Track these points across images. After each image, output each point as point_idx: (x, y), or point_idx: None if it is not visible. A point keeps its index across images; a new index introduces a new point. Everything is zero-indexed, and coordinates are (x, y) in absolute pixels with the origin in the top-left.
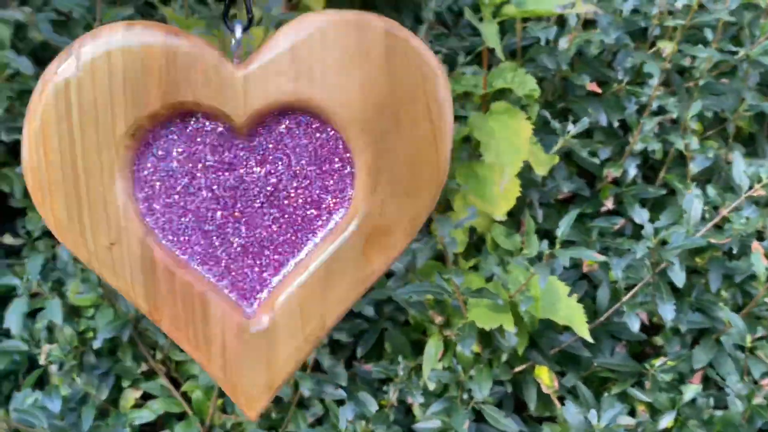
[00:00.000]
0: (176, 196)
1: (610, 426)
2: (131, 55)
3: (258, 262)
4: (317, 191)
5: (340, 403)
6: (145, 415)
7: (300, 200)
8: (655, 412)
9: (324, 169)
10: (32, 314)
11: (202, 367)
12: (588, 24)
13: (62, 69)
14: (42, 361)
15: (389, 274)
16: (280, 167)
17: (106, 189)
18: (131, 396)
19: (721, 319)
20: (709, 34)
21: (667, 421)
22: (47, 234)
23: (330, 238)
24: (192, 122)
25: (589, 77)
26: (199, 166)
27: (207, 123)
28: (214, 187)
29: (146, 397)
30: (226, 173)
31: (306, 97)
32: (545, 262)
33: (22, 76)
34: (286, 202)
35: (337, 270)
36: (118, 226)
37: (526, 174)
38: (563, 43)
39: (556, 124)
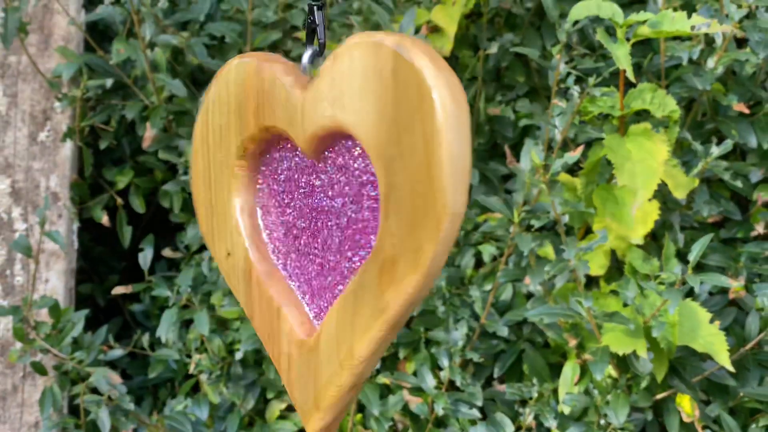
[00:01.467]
0: (279, 215)
1: None
2: (238, 83)
3: (329, 281)
4: (365, 214)
5: (475, 424)
6: (288, 427)
7: (355, 224)
8: None
9: (366, 193)
10: (186, 324)
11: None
12: (742, 42)
13: (208, 94)
14: (191, 370)
15: (528, 296)
16: (342, 191)
17: (227, 203)
18: (276, 408)
19: None
20: None
21: None
22: (204, 248)
23: (361, 264)
24: (285, 146)
25: (740, 98)
26: (293, 187)
27: (290, 146)
28: (304, 208)
29: (290, 408)
30: (309, 196)
31: (340, 122)
32: (677, 288)
33: (177, 99)
34: (346, 225)
35: (360, 297)
36: (233, 238)
37: (668, 197)
38: (710, 63)
39: (697, 146)
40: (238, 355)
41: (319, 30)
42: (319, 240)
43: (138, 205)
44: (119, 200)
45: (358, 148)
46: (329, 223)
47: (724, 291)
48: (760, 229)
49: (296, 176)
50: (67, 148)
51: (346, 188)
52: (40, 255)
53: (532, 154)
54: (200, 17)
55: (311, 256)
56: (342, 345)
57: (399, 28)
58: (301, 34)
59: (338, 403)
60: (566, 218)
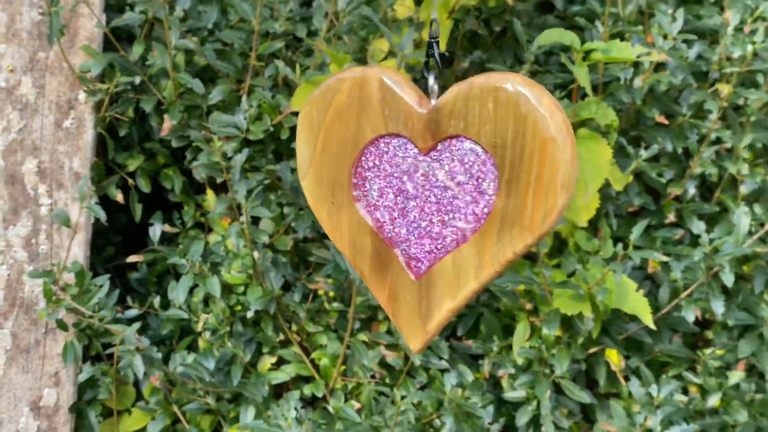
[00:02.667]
0: (390, 189)
1: (667, 399)
2: (358, 90)
3: (434, 238)
4: (469, 193)
5: (445, 372)
6: (281, 377)
7: (461, 198)
8: (704, 392)
9: (472, 176)
10: (190, 290)
11: (383, 306)
12: (659, 66)
13: (329, 89)
14: (199, 328)
15: None
16: (449, 174)
17: (346, 170)
18: (268, 361)
19: (764, 317)
20: (761, 78)
21: (714, 400)
22: (198, 225)
23: (477, 226)
24: (390, 140)
25: (659, 111)
26: (401, 168)
27: (396, 141)
28: (410, 184)
29: (280, 362)
30: (417, 176)
31: (462, 132)
32: (620, 262)
33: (191, 95)
34: (448, 199)
35: (480, 244)
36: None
37: (604, 190)
38: (638, 82)
39: (630, 149)
40: (249, 314)
41: (438, 61)
42: (425, 209)
43: (144, 185)
44: (131, 181)
45: (469, 144)
46: (434, 197)
47: (642, 267)
48: (671, 217)
49: (404, 162)
50: (89, 134)
51: (456, 173)
52: (63, 227)
53: None
54: (209, 25)
55: (420, 221)
56: (460, 280)
57: (399, 45)
58: (308, 41)
59: (442, 324)
60: None
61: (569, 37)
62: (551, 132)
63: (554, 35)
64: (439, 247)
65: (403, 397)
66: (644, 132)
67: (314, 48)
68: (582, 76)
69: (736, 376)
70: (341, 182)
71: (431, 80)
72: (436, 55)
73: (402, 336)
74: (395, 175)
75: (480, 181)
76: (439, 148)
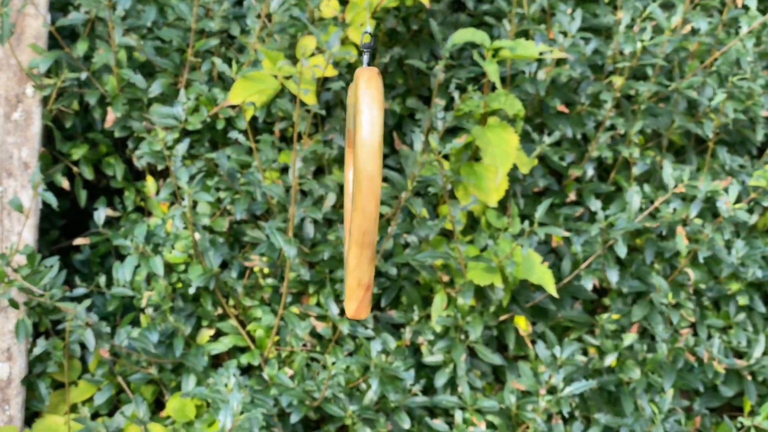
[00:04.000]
0: None
1: (569, 359)
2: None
3: None
4: None
5: (372, 339)
6: (219, 347)
7: None
8: (602, 353)
9: None
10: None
11: None
12: (560, 61)
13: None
14: (143, 304)
15: (406, 245)
16: None
17: (347, 169)
18: (206, 333)
19: (654, 285)
20: (650, 70)
21: (610, 360)
22: (138, 209)
23: None
24: None
25: (560, 100)
26: None
27: None
28: None
29: (217, 334)
30: None
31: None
32: (526, 237)
33: (132, 88)
34: None
35: (351, 221)
36: (346, 189)
37: (512, 173)
38: (541, 75)
39: (535, 136)
40: (191, 290)
41: (364, 65)
42: None
43: (88, 172)
44: (75, 169)
45: None
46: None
47: (546, 242)
48: (572, 196)
49: None
50: (36, 126)
51: None
52: (13, 213)
53: (430, 139)
54: (148, 23)
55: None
56: (346, 259)
57: (327, 43)
58: (243, 40)
59: (354, 296)
60: (449, 187)
61: (480, 36)
62: (361, 120)
63: (467, 34)
64: None
65: (333, 363)
66: (547, 120)
67: (248, 46)
68: (492, 71)
69: (629, 338)
70: None
71: None
72: (365, 64)
73: (361, 305)
74: None
75: None
76: None
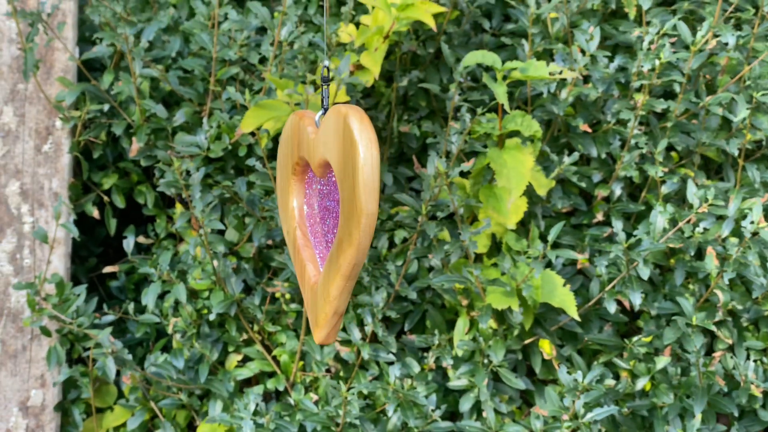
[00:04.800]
0: (310, 209)
1: (592, 383)
2: (290, 128)
3: (328, 251)
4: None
5: (391, 364)
6: (245, 373)
7: (336, 218)
8: (634, 377)
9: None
10: (160, 296)
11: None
12: (588, 78)
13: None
14: (170, 330)
15: (430, 269)
16: (333, 197)
17: (287, 201)
18: (234, 359)
19: (684, 307)
20: (677, 87)
21: (642, 383)
22: (170, 236)
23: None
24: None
25: (585, 120)
26: (316, 193)
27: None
28: (320, 207)
29: (245, 360)
30: (321, 199)
31: (326, 158)
32: (540, 260)
33: (156, 118)
34: (334, 217)
35: (331, 261)
36: (288, 221)
37: (534, 194)
38: (563, 94)
39: (554, 156)
40: (211, 317)
41: (325, 99)
42: (325, 226)
43: (119, 201)
44: (106, 198)
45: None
46: (328, 216)
47: (573, 263)
48: (600, 216)
49: (316, 187)
50: (66, 157)
51: (335, 196)
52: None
53: (436, 163)
54: (172, 54)
55: (322, 235)
56: (324, 288)
57: (337, 68)
58: (260, 68)
59: (328, 323)
60: (462, 210)
61: (491, 58)
62: (360, 162)
63: (478, 56)
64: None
65: (349, 389)
66: (572, 139)
67: (264, 73)
68: (501, 93)
69: (662, 361)
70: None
71: (317, 116)
72: (324, 94)
73: (332, 332)
74: (309, 196)
75: (336, 202)
76: (327, 176)
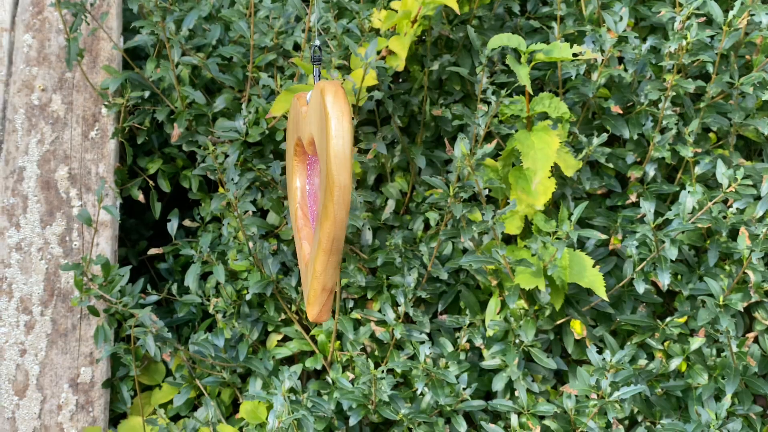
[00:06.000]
0: (310, 188)
1: (621, 363)
2: (292, 111)
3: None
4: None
5: (422, 344)
6: (284, 352)
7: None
8: (669, 357)
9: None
10: (204, 277)
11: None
12: (622, 59)
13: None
14: (210, 310)
15: (464, 250)
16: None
17: (291, 178)
18: (274, 339)
19: (722, 287)
20: (710, 67)
21: (675, 364)
22: (215, 219)
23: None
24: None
25: (618, 101)
26: (314, 173)
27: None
28: (315, 185)
29: (284, 339)
30: (315, 178)
31: (312, 135)
32: (563, 240)
33: (197, 105)
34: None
35: (316, 235)
36: (293, 199)
37: (563, 175)
38: (594, 76)
39: (583, 138)
40: (248, 296)
41: (316, 79)
42: (312, 201)
43: (165, 186)
44: (151, 182)
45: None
46: (314, 191)
47: (605, 244)
48: (633, 198)
49: (315, 166)
50: (112, 143)
51: (317, 173)
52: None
53: (461, 146)
54: (212, 42)
55: (314, 211)
56: (312, 265)
57: (365, 54)
58: (294, 56)
59: (318, 300)
60: (487, 191)
61: (516, 41)
62: (332, 134)
63: (503, 39)
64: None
65: (379, 368)
66: (605, 121)
67: (295, 60)
68: (523, 75)
69: (697, 341)
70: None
71: (308, 95)
72: (315, 73)
73: (323, 309)
74: (311, 176)
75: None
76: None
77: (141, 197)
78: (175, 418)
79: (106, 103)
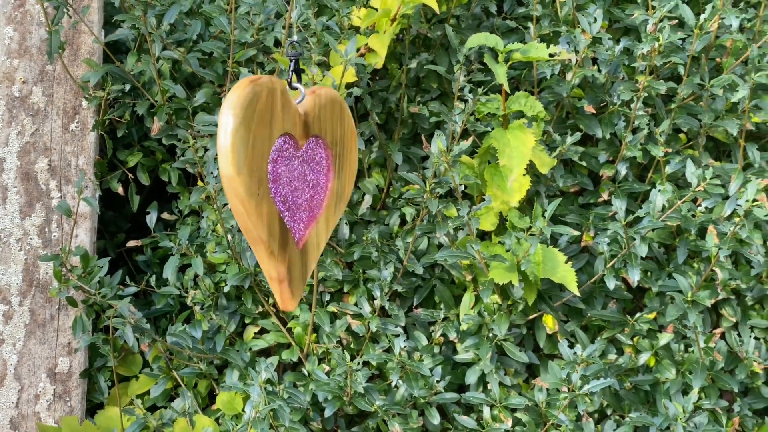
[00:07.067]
0: (282, 172)
1: (592, 357)
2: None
3: (308, 213)
4: (323, 178)
5: (397, 337)
6: (261, 344)
7: (320, 181)
8: (638, 352)
9: (322, 165)
10: (182, 269)
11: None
12: (594, 61)
13: (255, 94)
14: (188, 302)
15: (439, 246)
16: (312, 162)
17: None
18: (251, 330)
19: (690, 284)
20: (681, 69)
21: (644, 359)
22: (194, 212)
23: (325, 203)
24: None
25: (593, 102)
26: (287, 158)
27: (287, 140)
28: (294, 171)
29: (261, 331)
30: (296, 164)
31: (319, 132)
32: (537, 236)
33: (177, 99)
34: (315, 182)
35: (328, 217)
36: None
37: (538, 173)
38: (568, 76)
39: (557, 136)
40: (226, 288)
41: (290, 72)
42: (299, 192)
43: (144, 179)
44: (131, 175)
45: (322, 140)
46: (304, 183)
47: (578, 241)
48: (605, 196)
49: (290, 153)
50: (92, 136)
51: (314, 161)
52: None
53: (438, 142)
54: (193, 37)
55: (296, 200)
56: (320, 245)
57: (345, 50)
58: (273, 50)
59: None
60: (463, 188)
61: (493, 40)
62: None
63: (481, 38)
64: (307, 223)
65: (354, 360)
66: (579, 121)
67: (276, 56)
68: (500, 73)
69: (665, 337)
70: (262, 175)
71: (301, 88)
72: (291, 69)
73: (280, 298)
74: (287, 168)
75: (327, 169)
76: (306, 146)
77: (120, 190)
78: (152, 409)
79: (86, 95)
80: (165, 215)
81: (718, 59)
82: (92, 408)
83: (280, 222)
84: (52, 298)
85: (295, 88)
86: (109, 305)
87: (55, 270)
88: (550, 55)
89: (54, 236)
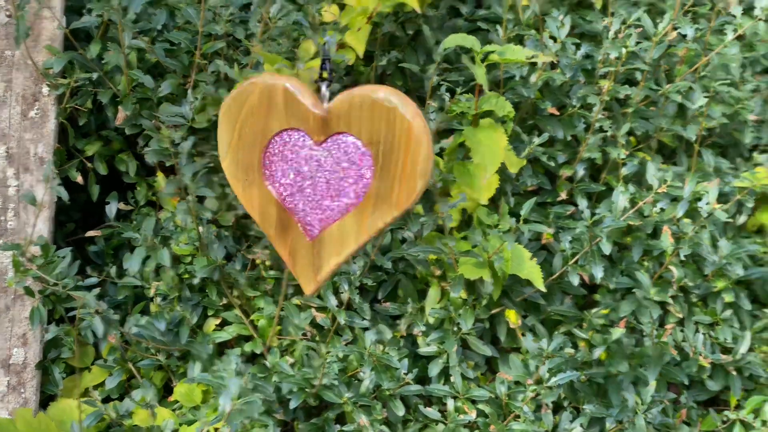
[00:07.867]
0: (287, 169)
1: (555, 351)
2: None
3: (325, 211)
4: (351, 176)
5: (365, 330)
6: (223, 336)
7: (345, 179)
8: (592, 346)
9: (354, 163)
10: (142, 261)
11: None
12: (553, 65)
13: (244, 90)
14: (151, 294)
15: (403, 240)
16: (337, 161)
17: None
18: (213, 322)
19: (641, 282)
20: (639, 75)
21: (598, 353)
22: (150, 203)
23: (357, 202)
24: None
25: (553, 103)
26: (297, 154)
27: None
28: (306, 167)
29: (223, 324)
30: (311, 161)
31: (349, 129)
32: (512, 233)
33: (142, 88)
34: (338, 179)
35: (362, 216)
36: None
37: (504, 172)
38: (533, 78)
39: (525, 137)
40: (195, 281)
41: (327, 71)
42: (318, 187)
43: (101, 168)
44: (89, 164)
45: (351, 138)
46: (325, 178)
47: (538, 239)
48: (563, 195)
49: (302, 150)
50: (52, 123)
51: (342, 160)
52: (29, 205)
53: None
54: (158, 26)
55: (314, 196)
56: (344, 242)
57: (323, 44)
58: (246, 43)
59: (330, 275)
60: (439, 185)
61: (471, 41)
62: (414, 133)
63: (458, 39)
64: (328, 216)
65: (328, 352)
66: (540, 121)
67: (251, 49)
68: (480, 74)
69: (617, 332)
70: (253, 164)
71: (323, 88)
72: (328, 69)
73: (298, 282)
74: (295, 160)
75: (360, 167)
76: (329, 141)
77: (80, 179)
78: (105, 401)
79: (49, 83)
80: (120, 205)
81: (666, 66)
82: (44, 400)
83: (277, 208)
84: (8, 289)
85: (320, 88)
86: (68, 296)
87: (14, 259)
88: (529, 58)
89: (10, 225)
